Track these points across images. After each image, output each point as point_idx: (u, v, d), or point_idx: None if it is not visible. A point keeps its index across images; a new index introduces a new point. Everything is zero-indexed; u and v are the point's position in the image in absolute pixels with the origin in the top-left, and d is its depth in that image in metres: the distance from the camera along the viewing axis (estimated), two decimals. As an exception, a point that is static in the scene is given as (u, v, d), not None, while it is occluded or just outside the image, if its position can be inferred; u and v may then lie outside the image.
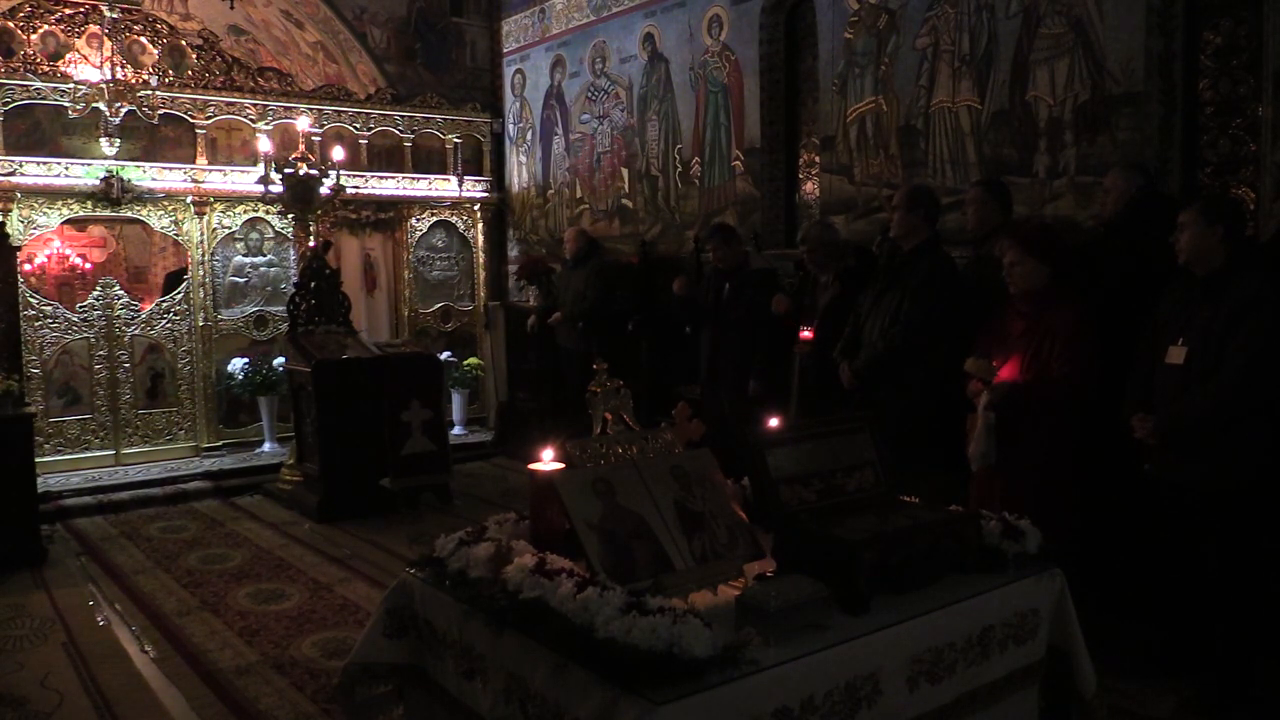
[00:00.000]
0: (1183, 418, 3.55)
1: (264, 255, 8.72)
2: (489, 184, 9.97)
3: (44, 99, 7.62)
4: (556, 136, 9.40)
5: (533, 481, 2.59)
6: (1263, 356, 3.40)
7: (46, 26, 8.23)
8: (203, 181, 8.30)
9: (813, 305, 5.57)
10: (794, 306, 5.89)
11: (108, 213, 8.12)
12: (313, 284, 7.38)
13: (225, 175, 8.43)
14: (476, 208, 9.87)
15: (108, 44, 7.24)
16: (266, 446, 8.45)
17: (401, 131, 9.37)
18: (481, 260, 9.92)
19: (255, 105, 8.56)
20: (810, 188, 7.10)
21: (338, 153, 7.75)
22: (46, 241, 9.05)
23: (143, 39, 8.48)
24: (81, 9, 8.38)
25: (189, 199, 8.24)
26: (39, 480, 6.08)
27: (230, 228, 8.51)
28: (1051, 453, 3.93)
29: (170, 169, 8.18)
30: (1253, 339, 3.42)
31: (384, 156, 9.36)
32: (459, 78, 10.17)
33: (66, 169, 7.74)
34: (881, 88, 6.25)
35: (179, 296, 8.36)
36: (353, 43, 9.87)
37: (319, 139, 8.62)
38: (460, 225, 9.85)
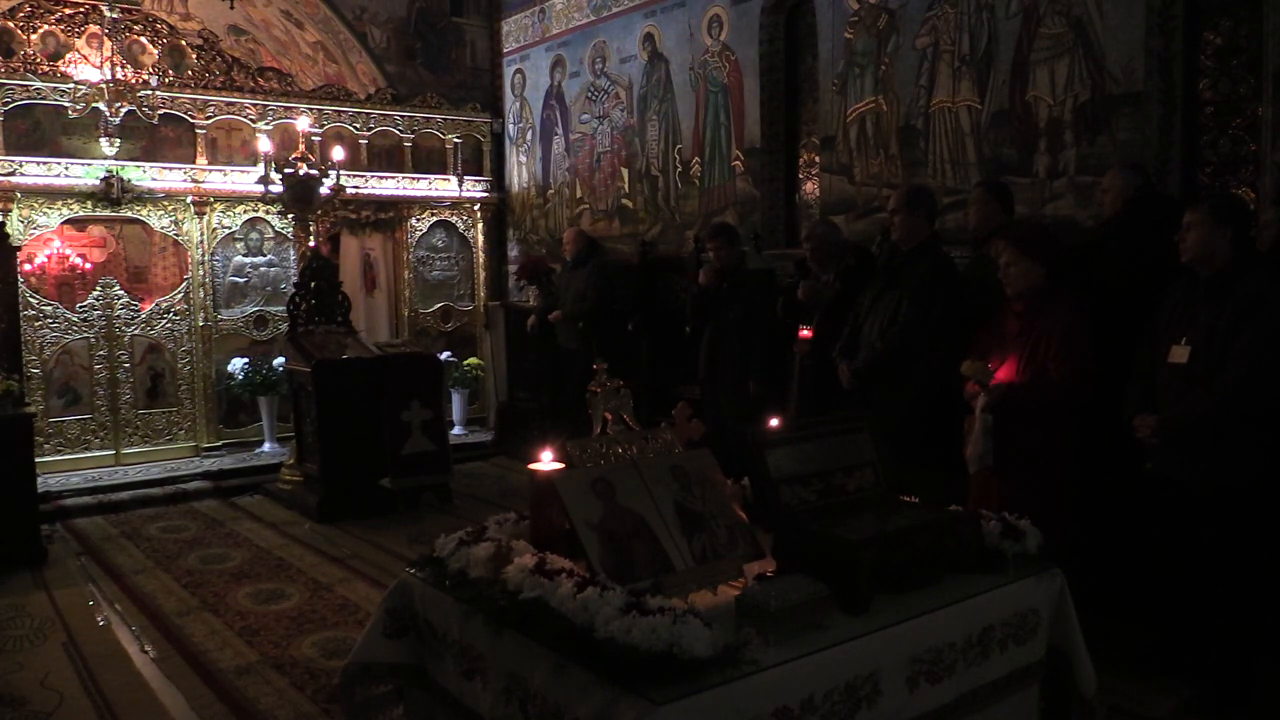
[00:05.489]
0: (1186, 417, 3.54)
1: (264, 255, 8.72)
2: (489, 184, 9.97)
3: (44, 99, 7.61)
4: (556, 136, 9.39)
5: (533, 481, 2.59)
6: (1266, 357, 3.40)
7: (46, 26, 8.23)
8: (203, 181, 8.31)
9: (812, 305, 5.57)
10: (804, 301, 5.72)
11: (108, 213, 8.13)
12: (313, 284, 7.39)
13: (225, 175, 8.43)
14: (476, 208, 9.87)
15: (108, 44, 7.23)
16: (266, 446, 8.45)
17: (401, 131, 9.37)
18: (481, 260, 9.92)
19: (255, 105, 8.55)
20: (810, 188, 7.10)
21: (338, 153, 7.74)
22: (46, 241, 9.04)
23: (143, 39, 8.48)
24: (81, 9, 8.38)
25: (189, 199, 8.24)
26: (39, 480, 6.08)
27: (230, 228, 8.51)
28: (1049, 454, 3.92)
29: (170, 169, 8.18)
30: (1256, 340, 3.41)
31: (384, 156, 9.36)
32: (459, 78, 10.17)
33: (66, 169, 7.74)
34: (881, 88, 6.25)
35: (179, 296, 8.37)
36: (353, 43, 9.87)
37: (319, 139, 8.62)
38: (460, 225, 9.84)
